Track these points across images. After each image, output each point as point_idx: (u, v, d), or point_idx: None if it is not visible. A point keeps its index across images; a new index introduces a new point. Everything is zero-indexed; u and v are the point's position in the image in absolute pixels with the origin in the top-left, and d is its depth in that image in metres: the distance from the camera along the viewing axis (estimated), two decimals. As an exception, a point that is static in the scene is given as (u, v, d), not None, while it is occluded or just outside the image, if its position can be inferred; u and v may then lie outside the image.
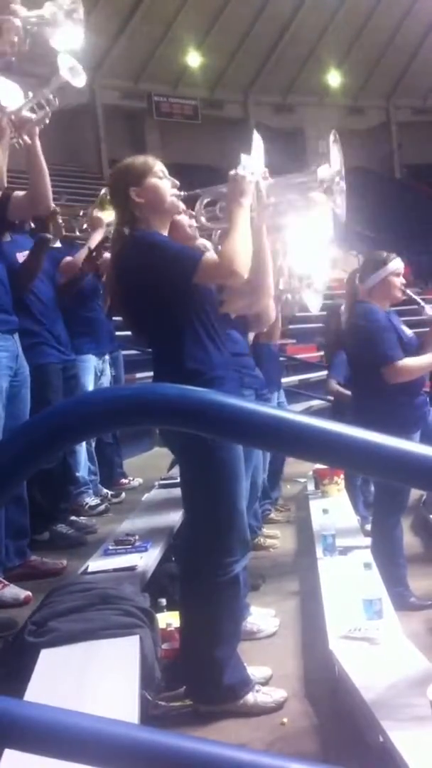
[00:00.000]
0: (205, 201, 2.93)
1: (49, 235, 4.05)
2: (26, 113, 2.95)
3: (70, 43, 2.80)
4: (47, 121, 2.99)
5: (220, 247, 2.88)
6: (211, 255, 2.65)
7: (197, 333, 2.63)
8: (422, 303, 4.40)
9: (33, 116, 2.96)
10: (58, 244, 4.53)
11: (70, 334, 4.51)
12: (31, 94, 2.92)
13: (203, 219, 2.96)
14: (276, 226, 3.18)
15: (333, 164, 2.87)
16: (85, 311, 4.88)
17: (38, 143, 3.08)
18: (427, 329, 4.02)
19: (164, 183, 2.69)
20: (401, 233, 21.30)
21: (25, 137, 3.00)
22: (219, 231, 2.95)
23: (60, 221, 4.32)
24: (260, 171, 2.85)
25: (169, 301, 2.60)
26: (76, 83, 2.85)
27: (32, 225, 4.10)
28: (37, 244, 3.92)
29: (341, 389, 5.54)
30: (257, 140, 2.91)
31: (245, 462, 2.96)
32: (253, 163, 2.84)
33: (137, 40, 21.16)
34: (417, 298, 4.40)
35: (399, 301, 3.92)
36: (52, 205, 3.53)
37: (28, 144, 3.03)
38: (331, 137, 2.91)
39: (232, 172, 2.75)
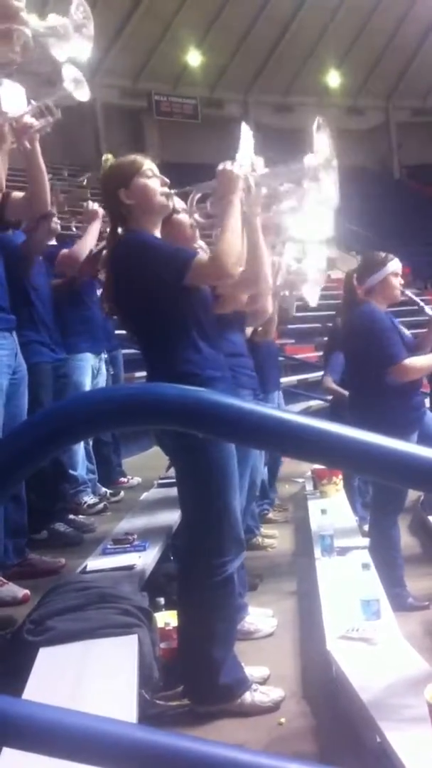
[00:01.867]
0: (197, 197, 2.85)
1: (54, 211, 4.02)
2: (28, 119, 2.93)
3: (76, 56, 2.74)
4: (49, 129, 2.98)
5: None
6: (202, 255, 2.61)
7: (190, 334, 2.60)
8: (421, 303, 4.42)
9: (34, 122, 2.95)
10: (53, 242, 4.53)
11: (65, 332, 4.50)
12: (33, 101, 2.90)
13: (197, 216, 2.90)
14: (272, 222, 3.15)
15: (320, 151, 2.77)
16: (82, 309, 4.85)
17: (38, 148, 3.07)
18: (425, 330, 4.04)
19: (153, 182, 2.64)
20: (400, 234, 21.31)
21: (26, 143, 2.99)
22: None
23: (55, 223, 4.32)
24: (248, 163, 2.78)
25: (161, 302, 2.57)
26: (79, 96, 2.78)
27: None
28: (41, 219, 3.79)
29: (337, 387, 5.64)
30: (246, 132, 2.86)
31: (242, 462, 2.94)
32: (241, 155, 2.78)
33: (137, 38, 21.16)
34: (416, 298, 4.41)
35: (397, 302, 3.93)
36: (49, 207, 3.51)
37: (28, 150, 3.02)
38: (315, 125, 2.79)
39: (219, 167, 2.71)
